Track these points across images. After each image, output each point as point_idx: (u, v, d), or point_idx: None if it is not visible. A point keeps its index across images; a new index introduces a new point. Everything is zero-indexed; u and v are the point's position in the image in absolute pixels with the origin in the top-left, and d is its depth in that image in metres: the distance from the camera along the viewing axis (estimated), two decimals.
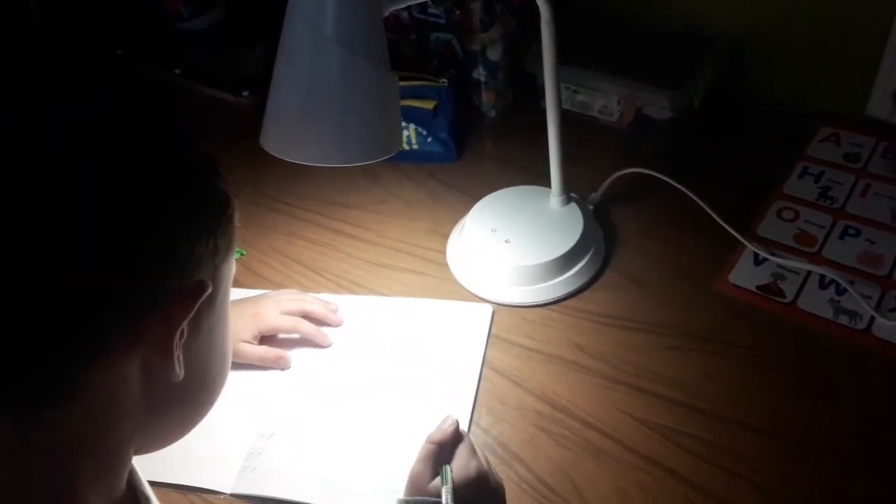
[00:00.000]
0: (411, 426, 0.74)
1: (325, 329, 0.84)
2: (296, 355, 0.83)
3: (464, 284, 0.89)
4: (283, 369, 0.81)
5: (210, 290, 0.43)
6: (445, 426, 0.68)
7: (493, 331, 0.84)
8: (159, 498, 0.72)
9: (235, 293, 0.90)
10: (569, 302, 0.87)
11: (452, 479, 0.63)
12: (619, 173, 0.95)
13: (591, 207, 0.94)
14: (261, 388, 0.80)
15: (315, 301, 0.85)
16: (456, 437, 0.67)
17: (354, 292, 0.91)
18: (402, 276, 0.92)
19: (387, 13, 0.63)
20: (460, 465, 0.64)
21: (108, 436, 0.43)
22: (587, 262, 0.88)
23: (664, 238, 0.92)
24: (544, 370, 0.80)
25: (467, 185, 1.04)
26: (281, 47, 0.65)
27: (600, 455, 0.72)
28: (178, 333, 0.42)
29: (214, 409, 0.77)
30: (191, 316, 0.42)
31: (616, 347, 0.81)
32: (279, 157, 0.66)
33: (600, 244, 0.91)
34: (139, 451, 0.49)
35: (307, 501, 0.70)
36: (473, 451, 0.66)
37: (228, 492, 0.72)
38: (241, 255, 0.97)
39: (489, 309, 0.86)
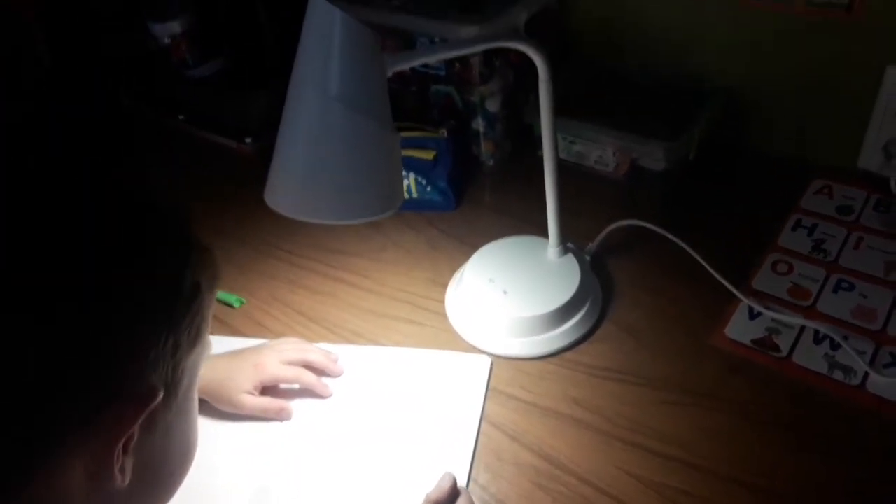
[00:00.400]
0: (410, 481, 0.75)
1: (325, 379, 0.84)
2: (294, 406, 0.83)
3: (462, 335, 0.90)
4: (284, 420, 0.81)
5: (160, 396, 0.40)
6: (443, 484, 0.68)
7: (491, 383, 0.85)
8: None
9: (236, 342, 0.91)
10: (566, 354, 0.87)
11: None
12: (614, 225, 0.96)
13: (588, 258, 0.95)
14: (256, 442, 0.80)
15: (316, 350, 0.85)
16: (453, 495, 0.67)
17: (354, 342, 0.91)
18: (401, 326, 0.93)
19: (390, 74, 0.65)
20: None
21: None
22: (584, 314, 0.89)
23: (660, 290, 0.94)
24: (541, 424, 0.80)
25: (466, 234, 1.05)
26: (286, 106, 0.66)
27: None
28: (121, 441, 0.39)
29: (211, 465, 0.78)
30: (138, 422, 0.39)
31: (612, 401, 0.82)
32: (284, 214, 0.67)
33: (597, 295, 0.92)
34: None
35: None
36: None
37: None
38: (242, 303, 0.98)
39: (487, 361, 0.86)
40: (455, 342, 0.90)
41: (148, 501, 0.47)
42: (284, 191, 0.67)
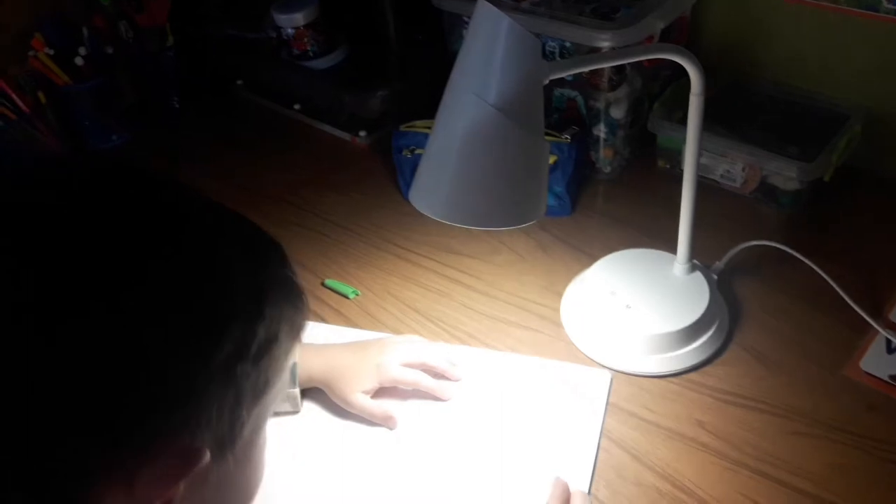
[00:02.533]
0: (527, 493, 0.74)
1: (443, 383, 0.84)
2: (409, 407, 0.83)
3: (579, 346, 0.89)
4: (390, 428, 0.81)
5: (206, 458, 0.36)
6: (556, 491, 0.66)
7: (611, 398, 0.83)
8: None
9: (350, 333, 0.92)
10: (690, 375, 0.85)
11: None
12: (747, 244, 0.93)
13: (715, 277, 0.92)
14: (376, 438, 0.81)
15: (437, 353, 0.85)
16: (566, 499, 0.66)
17: (468, 344, 0.91)
18: (515, 331, 0.92)
19: (547, 81, 0.64)
20: None
21: None
22: (711, 335, 0.86)
23: (790, 315, 0.90)
24: (664, 446, 0.78)
25: (580, 242, 1.03)
26: (442, 109, 0.66)
27: None
28: (161, 500, 0.37)
29: (331, 455, 0.79)
30: (181, 482, 0.37)
31: (739, 428, 0.79)
32: (430, 216, 0.67)
33: (724, 317, 0.89)
34: None
35: None
36: None
37: None
38: (357, 294, 0.99)
39: (608, 375, 0.84)
40: (570, 352, 0.89)
41: None
42: (433, 193, 0.67)
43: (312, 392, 0.85)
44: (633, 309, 0.87)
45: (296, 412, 0.83)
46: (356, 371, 0.82)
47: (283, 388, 0.44)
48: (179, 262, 0.37)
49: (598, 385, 0.84)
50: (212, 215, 0.40)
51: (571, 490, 0.69)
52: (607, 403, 0.82)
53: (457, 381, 0.85)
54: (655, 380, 0.85)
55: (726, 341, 0.87)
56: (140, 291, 0.35)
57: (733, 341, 0.88)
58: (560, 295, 0.96)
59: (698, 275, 0.90)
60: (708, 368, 0.85)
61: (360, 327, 0.94)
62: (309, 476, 0.78)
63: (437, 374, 0.84)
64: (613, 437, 0.79)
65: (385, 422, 0.81)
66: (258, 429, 0.44)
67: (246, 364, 0.38)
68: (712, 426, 0.79)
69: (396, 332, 0.93)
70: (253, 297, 0.39)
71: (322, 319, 0.96)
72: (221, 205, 0.42)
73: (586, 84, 1.05)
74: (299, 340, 0.43)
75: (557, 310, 0.94)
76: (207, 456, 0.37)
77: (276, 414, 0.83)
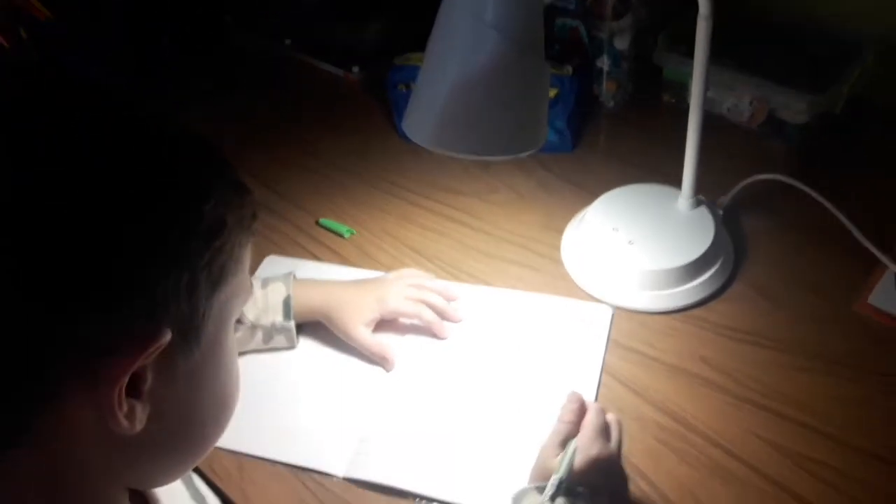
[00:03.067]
0: (527, 425, 0.73)
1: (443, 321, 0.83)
2: (411, 341, 0.82)
3: (580, 284, 0.87)
4: (387, 370, 0.80)
5: (167, 338, 0.36)
6: (571, 406, 0.65)
7: (612, 335, 0.81)
8: (273, 477, 0.73)
9: (347, 272, 0.90)
10: (693, 311, 0.83)
11: (571, 459, 0.60)
12: (753, 178, 0.90)
13: (721, 212, 0.89)
14: (376, 373, 0.80)
15: (437, 293, 0.83)
16: (581, 414, 0.65)
17: (467, 282, 0.89)
18: (514, 269, 0.90)
19: (548, 1, 0.60)
20: (583, 445, 0.62)
21: (83, 476, 0.39)
22: (716, 271, 0.84)
23: (796, 250, 0.88)
24: (666, 381, 0.77)
25: (581, 179, 1.00)
26: (435, 32, 0.62)
27: (727, 476, 0.69)
28: (120, 382, 0.35)
29: (328, 391, 0.78)
30: (142, 363, 0.36)
31: (743, 363, 0.78)
32: (423, 146, 0.64)
33: (729, 253, 0.87)
34: (138, 486, 0.46)
35: (420, 492, 0.70)
36: (601, 432, 0.63)
37: (341, 475, 0.72)
38: (352, 234, 0.96)
39: (609, 311, 0.83)
40: (571, 290, 0.87)
41: (177, 454, 0.44)
42: (426, 121, 0.64)
43: (308, 328, 0.83)
44: (636, 245, 0.85)
45: (291, 347, 0.81)
46: (357, 303, 0.80)
47: (242, 294, 0.43)
48: (126, 145, 0.37)
49: (599, 320, 0.82)
50: (153, 117, 0.39)
51: (587, 403, 0.67)
52: (608, 339, 0.80)
53: (456, 321, 0.83)
54: (658, 316, 0.83)
55: (731, 277, 0.85)
56: (87, 171, 0.35)
57: (738, 277, 0.86)
58: (560, 233, 0.93)
59: (703, 210, 0.87)
60: (712, 304, 0.84)
61: (359, 266, 0.92)
62: (305, 413, 0.77)
63: (437, 313, 0.82)
64: (614, 373, 0.78)
65: (382, 362, 0.80)
66: (223, 326, 0.42)
67: (197, 241, 0.37)
68: (716, 362, 0.78)
69: (394, 270, 0.91)
70: (195, 177, 0.38)
71: (317, 258, 0.94)
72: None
73: (589, 13, 1.01)
74: (251, 234, 0.42)
75: (558, 248, 0.92)
76: (168, 335, 0.36)
77: (272, 350, 0.82)
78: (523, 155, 0.64)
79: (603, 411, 0.66)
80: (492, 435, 0.73)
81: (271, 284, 0.81)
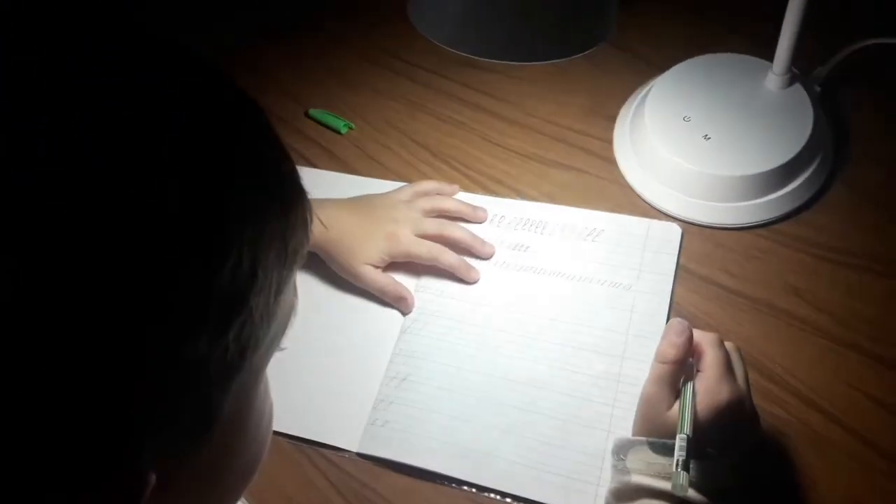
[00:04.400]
0: (579, 382, 0.59)
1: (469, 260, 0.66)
2: (436, 278, 0.66)
3: (638, 190, 0.69)
4: (405, 312, 0.65)
5: (152, 483, 0.26)
6: (677, 339, 0.50)
7: (681, 260, 0.65)
8: (274, 454, 0.60)
9: (348, 183, 0.73)
10: (782, 226, 0.66)
11: (693, 408, 0.48)
12: (860, 44, 0.69)
13: (818, 89, 0.69)
14: (391, 319, 0.65)
15: (460, 223, 0.67)
16: (690, 348, 0.51)
17: (493, 192, 0.72)
18: (554, 172, 0.72)
19: None
20: (708, 388, 0.49)
21: None
22: (813, 172, 0.66)
23: None
24: (749, 321, 0.61)
25: (640, 45, 0.80)
26: None
27: (826, 446, 0.55)
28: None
29: (339, 349, 0.64)
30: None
31: (847, 296, 0.62)
32: (440, 44, 0.44)
33: (829, 145, 0.68)
34: None
35: (444, 472, 0.57)
36: (728, 368, 0.50)
37: (355, 450, 0.60)
38: (351, 128, 0.78)
39: (677, 231, 0.66)
40: (627, 199, 0.69)
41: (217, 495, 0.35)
42: (444, 9, 0.43)
43: (311, 267, 0.67)
44: (714, 140, 0.66)
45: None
46: (363, 239, 0.64)
47: (286, 327, 0.32)
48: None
49: (665, 243, 0.65)
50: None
51: (700, 335, 0.52)
52: (677, 267, 0.64)
53: (487, 258, 0.66)
54: (738, 233, 0.66)
55: (830, 177, 0.67)
56: None
57: (838, 177, 0.67)
58: (613, 120, 0.74)
59: (798, 88, 0.67)
60: (805, 215, 0.66)
61: (358, 172, 0.75)
62: (310, 376, 0.63)
63: (462, 249, 0.66)
64: (684, 309, 0.62)
65: (397, 303, 0.65)
66: (247, 398, 0.33)
67: (203, 334, 0.26)
68: (811, 294, 0.62)
69: (403, 177, 0.73)
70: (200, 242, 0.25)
71: (308, 162, 0.76)
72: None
73: None
74: (299, 261, 0.30)
75: (609, 142, 0.73)
76: (153, 479, 0.27)
77: None
78: (585, 53, 0.44)
79: (722, 340, 0.52)
80: (534, 402, 0.59)
81: None
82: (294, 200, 0.30)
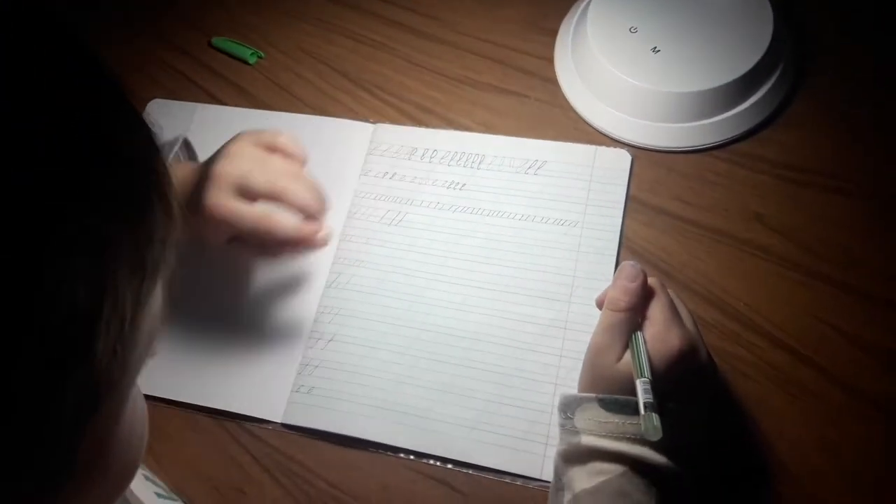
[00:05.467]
0: (522, 332, 0.53)
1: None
2: (363, 223, 0.59)
3: (582, 113, 0.62)
4: (318, 247, 0.54)
5: None
6: (630, 285, 0.45)
7: (631, 189, 0.58)
8: (196, 428, 0.54)
9: (254, 116, 0.65)
10: (741, 146, 0.59)
11: (648, 358, 0.43)
12: None
13: None
14: (314, 274, 0.58)
15: (289, 170, 0.53)
16: (644, 294, 0.46)
17: (423, 123, 0.63)
18: (489, 98, 0.64)
19: None
20: (657, 336, 0.44)
21: None
22: (773, 85, 0.59)
23: (890, 46, 0.62)
24: (706, 253, 0.56)
25: None
26: None
27: (795, 388, 0.51)
28: None
29: (256, 310, 0.57)
30: None
31: (813, 220, 0.56)
32: None
33: (789, 56, 0.61)
34: None
35: (377, 440, 0.51)
36: (675, 314, 0.45)
37: (279, 421, 0.53)
38: (260, 58, 0.69)
39: (627, 157, 0.59)
40: (572, 124, 0.62)
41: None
42: None
43: None
44: (663, 53, 0.59)
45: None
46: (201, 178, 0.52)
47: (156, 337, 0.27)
48: None
49: (613, 172, 0.58)
50: None
51: (656, 284, 0.47)
52: (627, 198, 0.57)
53: (319, 213, 0.53)
54: (692, 156, 0.59)
55: (791, 91, 0.60)
56: None
57: (801, 91, 0.61)
58: (554, 35, 0.66)
59: None
60: (766, 133, 0.60)
61: (270, 107, 0.66)
62: (215, 332, 0.56)
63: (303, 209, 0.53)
64: (635, 244, 0.56)
65: (311, 242, 0.53)
66: (113, 423, 0.28)
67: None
68: (775, 220, 0.56)
69: (319, 110, 0.65)
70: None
71: (214, 99, 0.68)
72: None
73: None
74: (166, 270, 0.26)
75: (551, 59, 0.65)
76: None
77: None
78: None
79: (664, 284, 0.47)
80: (472, 357, 0.53)
81: None
82: (147, 200, 0.24)
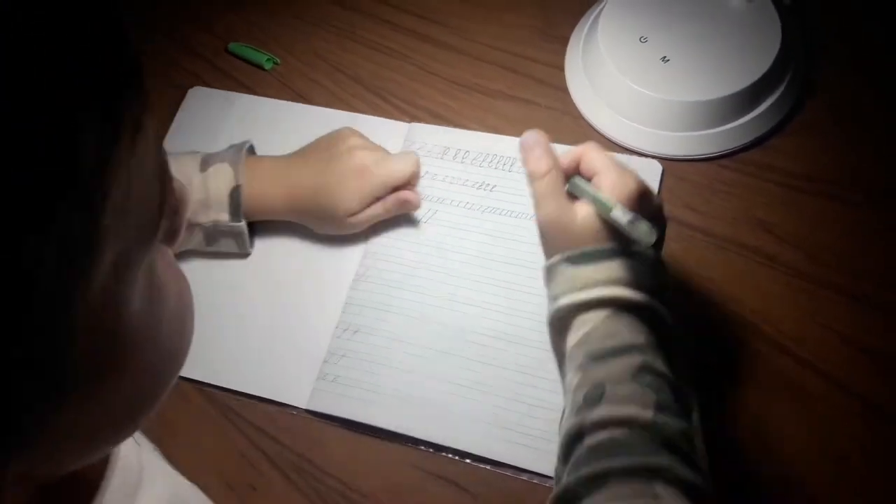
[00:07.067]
0: (546, 332, 0.53)
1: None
2: (392, 222, 0.60)
3: (592, 122, 0.63)
4: (415, 208, 0.59)
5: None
6: (538, 149, 0.46)
7: None
8: (207, 426, 0.55)
9: (288, 108, 0.66)
10: (748, 154, 0.60)
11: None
12: None
13: (788, 2, 0.63)
14: (344, 267, 0.59)
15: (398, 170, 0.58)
16: (552, 152, 0.46)
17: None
18: (501, 105, 0.65)
19: None
20: (615, 183, 0.44)
21: None
22: (782, 94, 0.59)
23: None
24: (716, 261, 0.56)
25: None
26: None
27: (801, 394, 0.51)
28: None
29: (288, 300, 0.58)
30: None
31: (821, 229, 0.56)
32: None
33: (798, 65, 0.61)
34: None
35: (397, 430, 0.53)
36: (617, 162, 0.45)
37: (304, 407, 0.55)
38: (275, 64, 0.70)
39: (658, 167, 0.59)
40: (581, 132, 0.63)
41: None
42: None
43: (264, 228, 0.61)
44: (673, 62, 0.59)
45: (243, 255, 0.60)
46: (334, 189, 0.57)
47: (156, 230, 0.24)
48: None
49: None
50: None
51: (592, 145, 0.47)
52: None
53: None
54: (702, 164, 0.60)
55: (799, 100, 0.61)
56: None
57: (809, 100, 0.61)
58: (565, 43, 0.67)
59: (765, 2, 0.61)
60: (773, 142, 0.60)
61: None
62: (248, 318, 0.58)
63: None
64: None
65: (406, 207, 0.59)
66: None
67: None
68: (782, 230, 0.57)
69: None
70: None
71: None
72: None
73: None
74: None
75: (561, 67, 0.66)
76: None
77: (219, 255, 0.60)
78: None
79: (597, 144, 0.47)
80: (500, 356, 0.54)
81: (214, 165, 0.57)
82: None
